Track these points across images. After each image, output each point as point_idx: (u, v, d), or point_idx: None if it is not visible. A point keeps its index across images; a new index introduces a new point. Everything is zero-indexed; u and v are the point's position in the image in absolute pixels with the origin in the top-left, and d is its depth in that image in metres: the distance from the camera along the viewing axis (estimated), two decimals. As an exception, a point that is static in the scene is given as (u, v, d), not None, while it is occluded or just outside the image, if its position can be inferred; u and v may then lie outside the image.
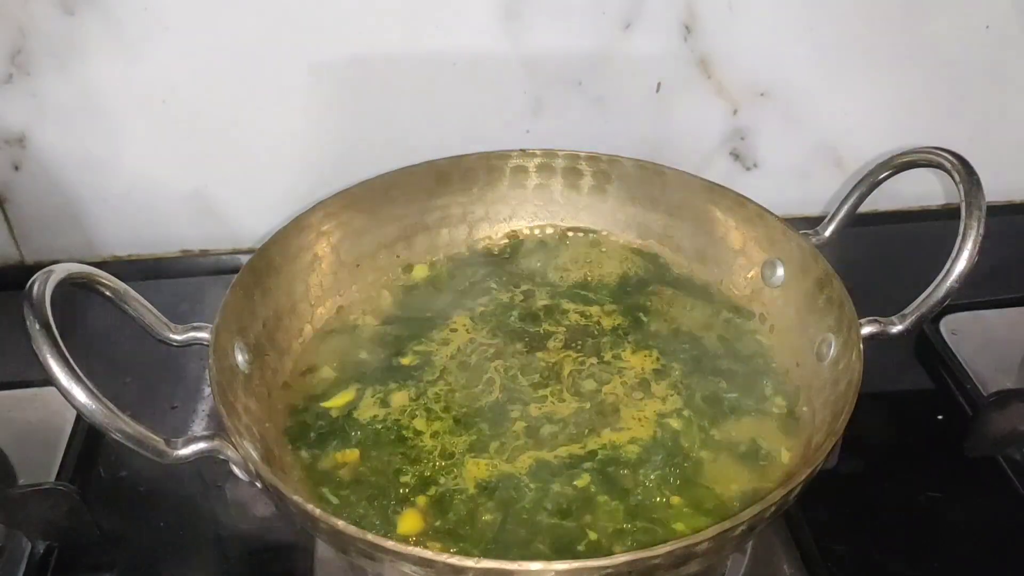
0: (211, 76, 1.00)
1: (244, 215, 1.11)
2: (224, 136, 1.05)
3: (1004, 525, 0.83)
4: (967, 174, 0.73)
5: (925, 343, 0.96)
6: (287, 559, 0.79)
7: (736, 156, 1.12)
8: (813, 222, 0.88)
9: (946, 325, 0.96)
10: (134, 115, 1.02)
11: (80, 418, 0.87)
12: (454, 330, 0.88)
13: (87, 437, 0.88)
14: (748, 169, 1.13)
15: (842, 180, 1.14)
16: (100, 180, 1.07)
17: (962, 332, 0.96)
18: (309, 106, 1.04)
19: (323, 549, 0.79)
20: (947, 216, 1.13)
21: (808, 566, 0.78)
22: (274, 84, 1.02)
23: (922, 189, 1.16)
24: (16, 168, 1.04)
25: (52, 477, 0.83)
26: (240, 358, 0.76)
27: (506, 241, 0.98)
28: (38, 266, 1.09)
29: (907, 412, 0.92)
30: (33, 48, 0.97)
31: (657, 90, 1.07)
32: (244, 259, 1.07)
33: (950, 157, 0.75)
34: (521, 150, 0.95)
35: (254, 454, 0.64)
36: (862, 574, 0.79)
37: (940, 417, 0.91)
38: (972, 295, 0.94)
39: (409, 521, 0.71)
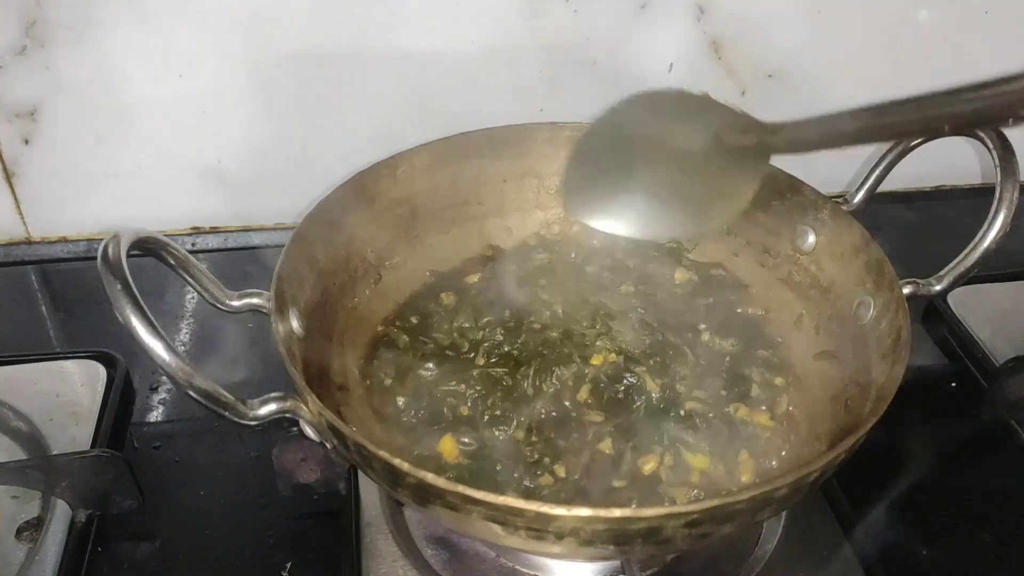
0: (229, 50, 1.00)
1: (257, 193, 1.10)
2: (239, 112, 1.04)
3: (1017, 483, 0.87)
4: (1000, 141, 0.77)
5: (935, 315, 1.00)
6: (331, 525, 0.80)
7: (742, 136, 1.14)
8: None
9: (954, 298, 0.99)
10: (149, 89, 1.01)
11: (110, 390, 0.87)
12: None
13: (118, 409, 0.88)
14: (753, 149, 1.15)
15: (843, 161, 1.16)
16: (111, 155, 1.06)
17: (968, 305, 1.00)
18: (323, 82, 1.04)
19: (369, 514, 0.80)
20: (956, 197, 1.19)
21: (843, 526, 0.80)
22: (291, 60, 1.01)
23: (926, 171, 1.20)
24: (26, 142, 1.03)
25: (83, 447, 0.83)
26: (295, 324, 0.76)
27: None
28: (45, 243, 1.10)
29: (921, 381, 0.95)
30: (49, 19, 0.96)
31: (669, 71, 1.09)
32: (255, 237, 1.08)
33: (982, 125, 0.78)
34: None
35: (331, 413, 0.64)
36: (895, 534, 0.81)
37: (953, 384, 0.95)
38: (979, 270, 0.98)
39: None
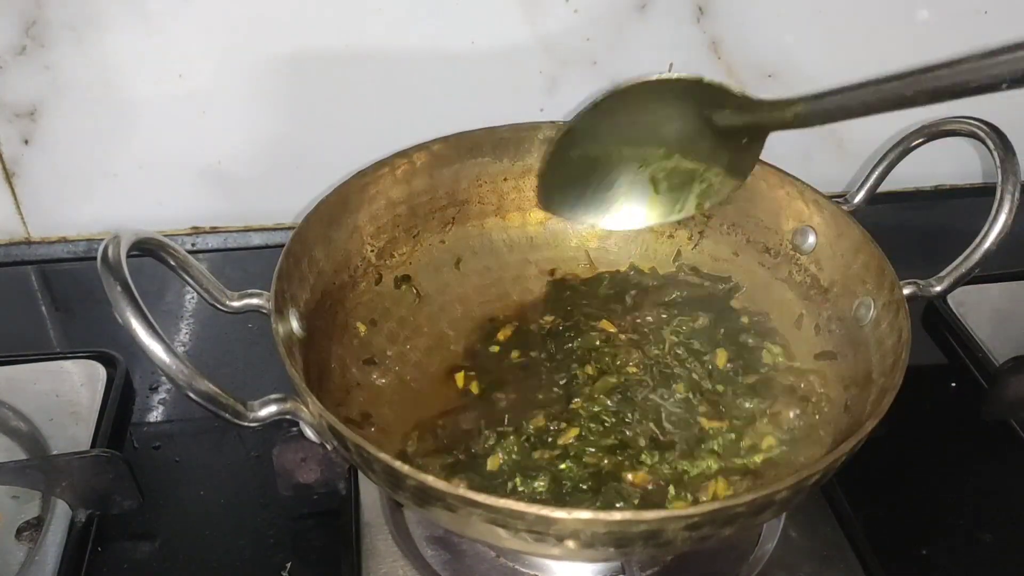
0: (229, 50, 1.00)
1: (257, 193, 1.11)
2: (239, 112, 1.04)
3: (1017, 483, 0.87)
4: (1001, 141, 0.77)
5: (935, 315, 1.00)
6: (331, 525, 0.80)
7: (742, 136, 1.15)
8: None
9: (954, 298, 0.99)
10: (149, 89, 1.01)
11: (110, 390, 0.87)
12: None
13: (118, 409, 0.88)
14: (753, 149, 1.15)
15: (842, 161, 1.17)
16: (111, 155, 1.06)
17: (968, 305, 1.00)
18: (323, 82, 1.04)
19: (369, 514, 0.79)
20: (956, 197, 1.19)
21: (843, 526, 0.80)
22: (291, 60, 1.01)
23: (926, 171, 1.21)
24: (26, 142, 1.03)
25: (83, 447, 0.83)
26: (295, 324, 0.76)
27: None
28: (45, 243, 1.10)
29: (921, 381, 0.95)
30: (49, 19, 0.96)
31: (669, 71, 1.09)
32: (255, 237, 1.08)
33: (983, 125, 0.79)
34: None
35: (332, 415, 0.64)
36: (895, 534, 0.81)
37: (953, 384, 0.95)
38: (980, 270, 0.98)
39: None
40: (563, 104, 1.09)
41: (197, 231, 1.12)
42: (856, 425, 0.68)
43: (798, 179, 0.88)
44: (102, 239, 0.63)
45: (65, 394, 0.88)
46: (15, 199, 1.07)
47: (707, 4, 1.04)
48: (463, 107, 1.05)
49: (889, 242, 0.81)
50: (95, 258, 0.62)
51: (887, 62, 1.10)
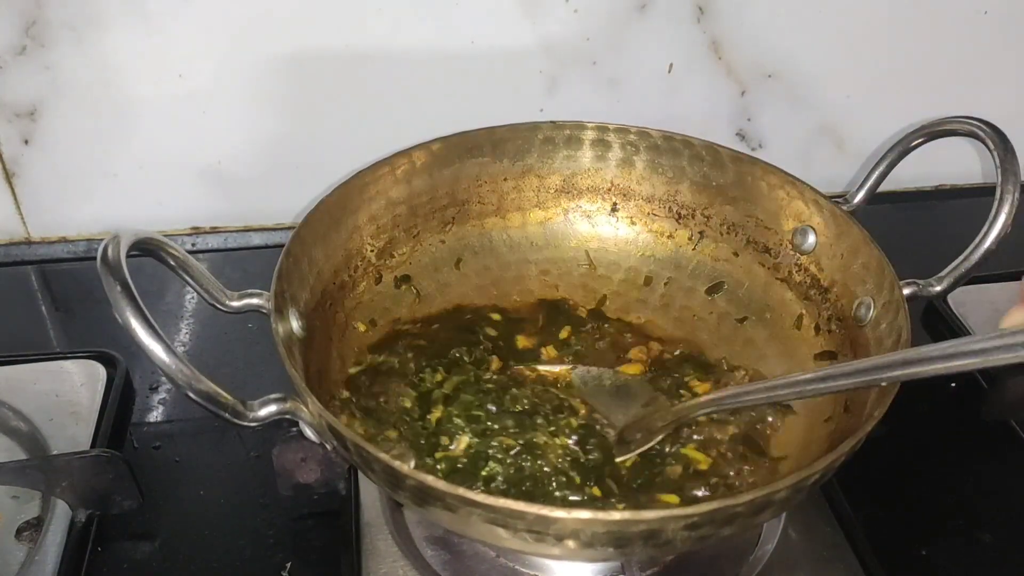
0: (229, 50, 1.00)
1: (257, 193, 1.11)
2: (239, 112, 1.04)
3: (1017, 483, 0.87)
4: (1001, 141, 0.77)
5: (935, 315, 1.00)
6: (331, 525, 0.80)
7: (742, 136, 1.15)
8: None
9: (954, 298, 0.99)
10: (149, 89, 1.02)
11: (110, 390, 0.87)
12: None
13: (118, 409, 0.88)
14: (753, 150, 1.16)
15: (842, 162, 1.17)
16: (111, 155, 1.06)
17: (968, 305, 1.00)
18: (323, 82, 1.04)
19: (369, 514, 0.79)
20: (956, 197, 1.19)
21: (843, 526, 0.80)
22: (291, 60, 1.01)
23: (926, 171, 1.21)
24: (26, 142, 1.03)
25: (83, 447, 0.83)
26: (295, 324, 0.76)
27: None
28: (45, 243, 1.10)
29: (920, 381, 0.95)
30: (49, 19, 0.96)
31: (669, 71, 1.09)
32: (255, 237, 1.08)
33: (983, 125, 0.79)
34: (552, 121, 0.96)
35: (332, 415, 0.64)
36: (895, 534, 0.81)
37: (953, 384, 0.95)
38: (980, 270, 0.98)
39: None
40: (563, 104, 1.09)
41: (197, 231, 1.12)
42: (856, 425, 0.68)
43: (798, 179, 0.88)
44: (102, 239, 0.63)
45: (65, 394, 0.88)
46: (15, 199, 1.07)
47: (707, 4, 1.04)
48: (463, 107, 1.05)
49: (889, 242, 0.80)
50: (95, 258, 0.62)
51: (887, 62, 1.11)
